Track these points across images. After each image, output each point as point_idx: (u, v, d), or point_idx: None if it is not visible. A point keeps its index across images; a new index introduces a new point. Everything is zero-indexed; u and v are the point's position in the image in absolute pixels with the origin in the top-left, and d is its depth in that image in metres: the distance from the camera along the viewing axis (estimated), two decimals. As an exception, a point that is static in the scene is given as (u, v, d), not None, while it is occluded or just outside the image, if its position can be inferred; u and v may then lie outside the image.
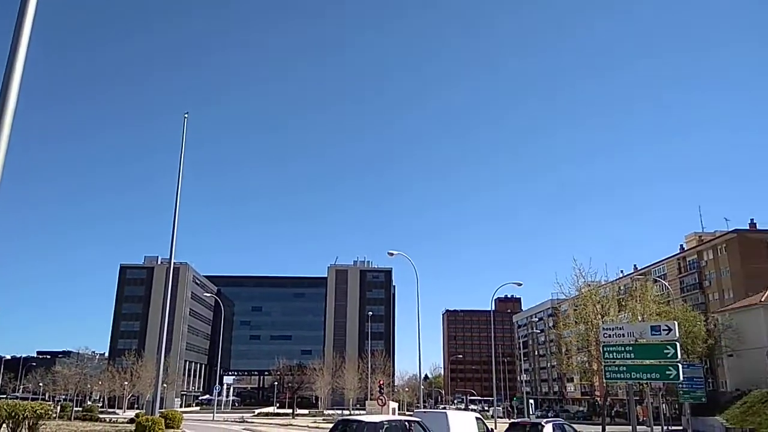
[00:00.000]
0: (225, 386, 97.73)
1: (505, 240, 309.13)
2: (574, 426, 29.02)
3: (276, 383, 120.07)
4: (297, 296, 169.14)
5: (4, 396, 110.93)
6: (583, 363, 45.69)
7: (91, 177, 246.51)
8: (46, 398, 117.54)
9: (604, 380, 22.56)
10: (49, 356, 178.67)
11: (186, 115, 31.86)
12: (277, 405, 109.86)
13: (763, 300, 59.66)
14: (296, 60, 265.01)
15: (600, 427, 41.05)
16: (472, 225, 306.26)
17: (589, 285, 37.33)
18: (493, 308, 79.47)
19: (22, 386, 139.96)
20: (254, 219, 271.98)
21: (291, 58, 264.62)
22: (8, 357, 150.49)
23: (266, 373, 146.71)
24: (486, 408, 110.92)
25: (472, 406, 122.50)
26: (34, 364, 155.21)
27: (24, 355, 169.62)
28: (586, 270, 37.16)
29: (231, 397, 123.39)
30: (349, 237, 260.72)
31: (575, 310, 43.01)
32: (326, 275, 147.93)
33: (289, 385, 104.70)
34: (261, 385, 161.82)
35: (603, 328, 21.95)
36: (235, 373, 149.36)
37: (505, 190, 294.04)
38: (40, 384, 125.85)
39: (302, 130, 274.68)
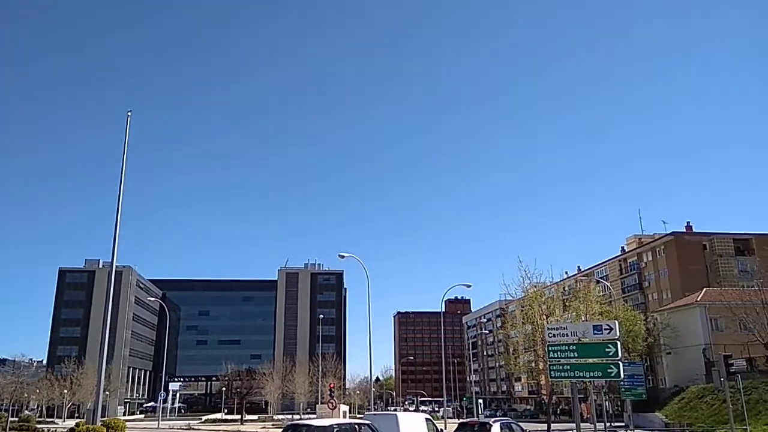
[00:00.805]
0: (171, 393, 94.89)
1: (455, 242, 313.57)
2: (521, 425, 29.57)
3: (224, 389, 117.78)
4: (246, 300, 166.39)
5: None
6: (529, 362, 46.67)
7: (29, 174, 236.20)
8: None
9: (550, 379, 23.07)
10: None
11: (129, 113, 30.84)
12: (226, 411, 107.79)
13: (698, 300, 62.38)
14: (249, 61, 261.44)
15: (546, 425, 42.06)
16: (424, 228, 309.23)
17: (535, 286, 38.13)
18: (443, 310, 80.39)
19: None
20: (201, 221, 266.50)
21: (244, 61, 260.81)
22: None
23: (214, 378, 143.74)
24: (436, 409, 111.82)
25: (422, 407, 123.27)
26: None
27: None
28: (532, 271, 37.91)
29: (177, 404, 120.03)
30: (300, 240, 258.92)
31: (522, 310, 43.92)
32: (276, 278, 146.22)
33: (238, 390, 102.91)
34: (209, 391, 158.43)
35: (548, 328, 22.44)
36: (182, 379, 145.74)
37: (455, 192, 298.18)
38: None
39: (250, 130, 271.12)
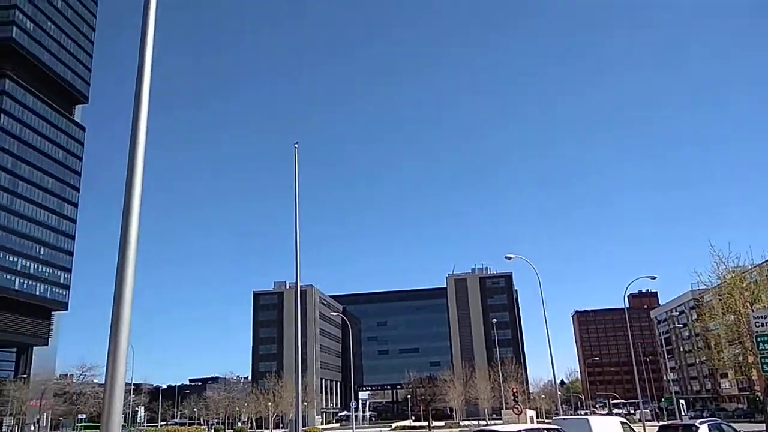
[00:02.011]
0: (360, 402, 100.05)
1: (630, 228, 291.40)
2: (733, 425, 26.64)
3: (409, 396, 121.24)
4: (419, 309, 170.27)
5: (165, 423, 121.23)
6: (736, 356, 41.75)
7: (222, 207, 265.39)
8: (201, 423, 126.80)
9: (763, 373, 20.58)
10: (200, 383, 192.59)
11: (296, 145, 33.31)
12: (413, 418, 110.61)
13: None
14: (400, 67, 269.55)
15: (764, 425, 37.25)
16: (598, 223, 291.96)
17: (734, 271, 34.18)
18: (627, 305, 75.15)
19: (179, 413, 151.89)
20: (367, 233, 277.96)
21: (397, 66, 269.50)
22: (164, 386, 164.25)
23: (398, 386, 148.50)
24: (631, 411, 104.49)
25: (615, 410, 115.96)
26: (188, 391, 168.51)
27: (178, 384, 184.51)
28: (727, 255, 34.00)
29: (368, 412, 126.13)
30: (465, 244, 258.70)
31: (720, 299, 39.58)
32: (445, 285, 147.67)
33: (422, 397, 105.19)
34: (395, 399, 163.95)
35: (754, 317, 20.11)
36: (369, 388, 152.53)
37: (621, 193, 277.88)
38: (195, 410, 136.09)
39: (414, 136, 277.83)
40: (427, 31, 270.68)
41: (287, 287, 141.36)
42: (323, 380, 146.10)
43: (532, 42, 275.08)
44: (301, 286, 30.97)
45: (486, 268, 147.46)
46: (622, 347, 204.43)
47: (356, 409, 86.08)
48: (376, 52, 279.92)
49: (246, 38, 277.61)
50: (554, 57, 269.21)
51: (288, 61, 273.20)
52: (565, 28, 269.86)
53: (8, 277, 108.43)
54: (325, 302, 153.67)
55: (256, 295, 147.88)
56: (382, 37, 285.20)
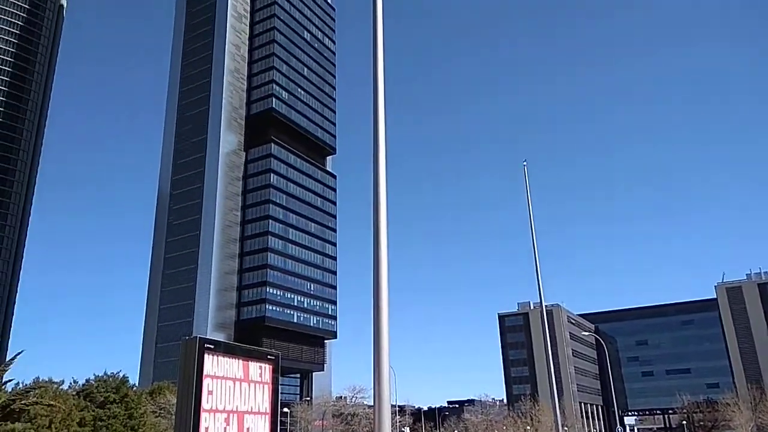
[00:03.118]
0: (627, 427, 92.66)
1: None
2: None
3: (684, 422, 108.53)
4: (685, 324, 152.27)
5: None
6: None
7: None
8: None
9: None
10: (457, 405, 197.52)
11: (525, 164, 33.24)
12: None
13: None
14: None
15: None
16: None
17: None
18: None
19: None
20: (609, 245, 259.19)
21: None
22: (425, 408, 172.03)
23: (670, 411, 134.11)
24: None
25: None
26: (447, 413, 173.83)
27: (437, 406, 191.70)
28: None
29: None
30: (734, 246, 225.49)
31: None
32: (715, 296, 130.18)
33: (701, 423, 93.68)
34: (667, 425, 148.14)
35: None
36: (635, 413, 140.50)
37: None
38: (454, 431, 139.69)
39: (642, 151, 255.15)
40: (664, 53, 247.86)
41: (531, 307, 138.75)
42: (582, 404, 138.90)
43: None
44: (546, 306, 30.46)
45: (765, 273, 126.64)
46: None
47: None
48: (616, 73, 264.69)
49: (463, 59, 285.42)
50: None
51: (507, 78, 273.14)
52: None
53: (288, 312, 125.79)
54: (573, 321, 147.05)
55: (501, 317, 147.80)
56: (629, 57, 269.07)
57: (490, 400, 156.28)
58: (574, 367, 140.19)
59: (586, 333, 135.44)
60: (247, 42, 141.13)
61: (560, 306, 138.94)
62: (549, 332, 35.32)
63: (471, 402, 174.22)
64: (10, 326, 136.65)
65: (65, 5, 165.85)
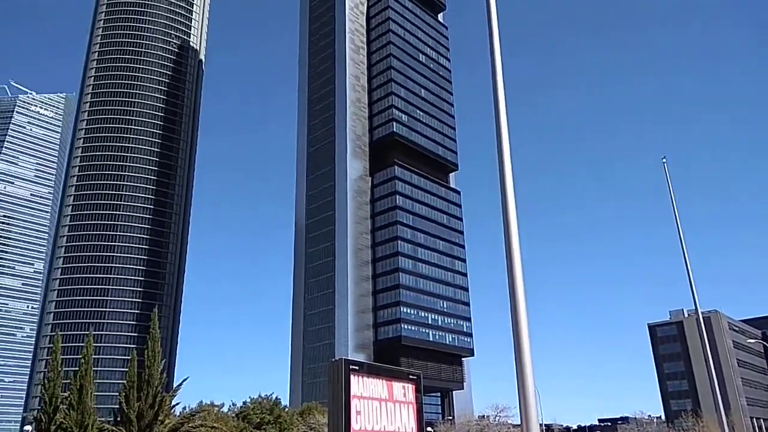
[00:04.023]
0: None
1: None
2: None
3: None
4: None
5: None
6: None
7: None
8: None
9: None
10: (609, 423, 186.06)
11: (664, 161, 31.34)
12: None
13: None
14: None
15: None
16: None
17: None
18: None
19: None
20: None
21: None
22: (574, 426, 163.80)
23: None
24: None
25: None
26: (598, 431, 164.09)
27: (587, 424, 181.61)
28: None
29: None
30: None
31: None
32: None
33: None
34: None
35: None
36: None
37: None
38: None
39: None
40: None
41: (685, 315, 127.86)
42: (753, 419, 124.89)
43: None
44: (702, 313, 28.12)
45: None
46: None
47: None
48: None
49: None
50: None
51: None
52: None
53: (423, 330, 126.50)
54: (736, 328, 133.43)
55: (651, 327, 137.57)
56: None
57: (646, 418, 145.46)
58: (741, 378, 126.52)
59: (752, 340, 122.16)
60: (365, 72, 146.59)
61: (719, 312, 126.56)
62: (708, 341, 32.39)
63: (625, 420, 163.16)
64: (177, 350, 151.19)
65: (203, 60, 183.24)
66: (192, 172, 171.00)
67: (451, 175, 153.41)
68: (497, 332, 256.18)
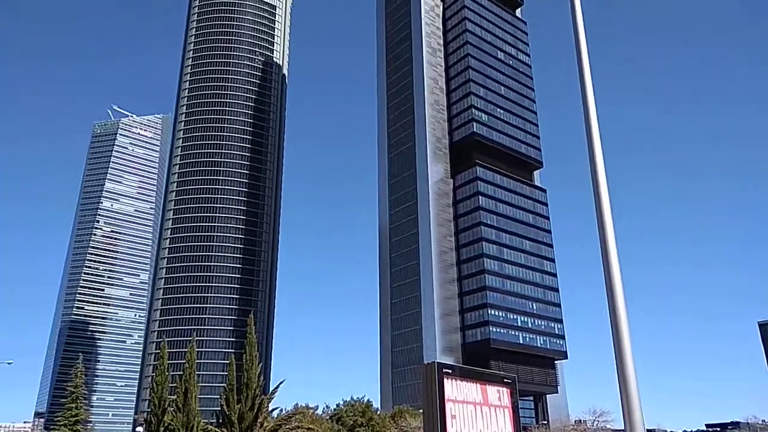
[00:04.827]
0: None
1: None
2: None
3: None
4: None
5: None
6: None
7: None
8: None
9: None
10: (718, 428, 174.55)
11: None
12: None
13: None
14: None
15: None
16: None
17: None
18: None
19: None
20: None
21: None
22: (679, 431, 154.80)
23: None
24: None
25: None
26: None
27: (693, 429, 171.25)
28: None
29: None
30: None
31: None
32: None
33: None
34: None
35: None
36: None
37: None
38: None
39: None
40: None
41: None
42: None
43: None
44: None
45: None
46: None
47: None
48: None
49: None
50: None
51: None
52: None
53: (512, 333, 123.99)
54: None
55: (762, 326, 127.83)
56: None
57: (760, 422, 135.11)
58: None
59: None
60: (443, 74, 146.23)
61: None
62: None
63: (736, 425, 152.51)
64: (272, 353, 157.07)
65: (286, 74, 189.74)
66: (280, 181, 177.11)
67: (535, 173, 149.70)
68: (593, 333, 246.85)
